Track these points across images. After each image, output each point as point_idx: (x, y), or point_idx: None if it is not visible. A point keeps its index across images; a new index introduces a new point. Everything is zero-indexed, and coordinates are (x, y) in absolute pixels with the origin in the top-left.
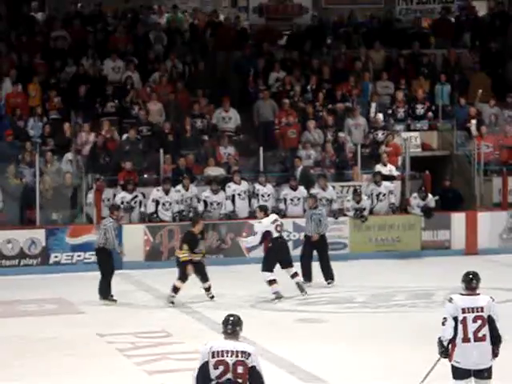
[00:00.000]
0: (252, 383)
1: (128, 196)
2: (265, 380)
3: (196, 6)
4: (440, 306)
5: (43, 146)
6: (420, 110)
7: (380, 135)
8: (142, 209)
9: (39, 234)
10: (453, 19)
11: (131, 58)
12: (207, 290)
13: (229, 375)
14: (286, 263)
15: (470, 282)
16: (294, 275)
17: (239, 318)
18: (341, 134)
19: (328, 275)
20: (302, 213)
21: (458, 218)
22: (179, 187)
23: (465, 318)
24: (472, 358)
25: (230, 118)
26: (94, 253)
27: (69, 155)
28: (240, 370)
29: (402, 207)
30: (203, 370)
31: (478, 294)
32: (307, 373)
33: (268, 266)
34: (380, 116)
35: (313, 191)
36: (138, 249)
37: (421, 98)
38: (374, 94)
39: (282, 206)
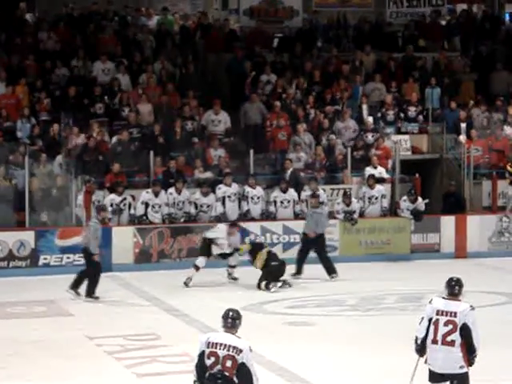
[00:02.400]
0: (239, 378)
1: (117, 198)
2: (255, 378)
3: (186, 8)
4: None
5: (31, 147)
6: (412, 112)
7: (370, 138)
8: (132, 211)
9: (28, 236)
10: (443, 22)
11: (121, 60)
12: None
13: (219, 367)
14: None
15: (453, 288)
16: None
17: (238, 312)
18: (331, 137)
19: (330, 270)
20: (291, 215)
21: (448, 222)
22: (172, 190)
23: (437, 320)
24: (438, 361)
25: (219, 121)
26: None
27: (59, 158)
28: (228, 363)
29: (392, 210)
30: (201, 359)
31: (459, 300)
32: (296, 375)
33: None
34: (370, 119)
35: (303, 194)
36: (127, 251)
37: (414, 100)
38: (364, 97)
39: (271, 208)
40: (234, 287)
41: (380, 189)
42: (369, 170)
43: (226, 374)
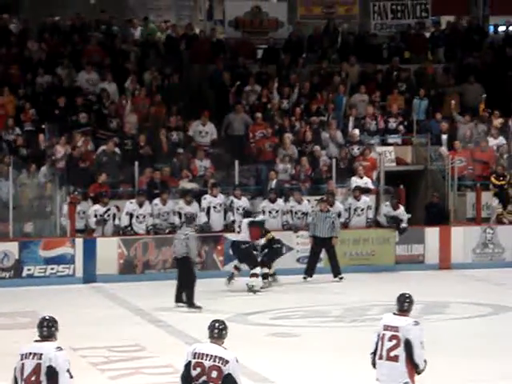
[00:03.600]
0: None
1: (101, 209)
2: None
3: (172, 18)
4: None
5: (15, 157)
6: (392, 123)
7: (356, 150)
8: (117, 222)
9: (12, 247)
10: (427, 34)
11: (106, 70)
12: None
13: (204, 377)
14: None
15: (402, 304)
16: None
17: (224, 323)
18: (315, 148)
19: (337, 272)
20: (279, 225)
21: (432, 233)
22: (157, 201)
23: (383, 335)
24: (383, 376)
25: (206, 132)
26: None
27: (44, 168)
28: (214, 374)
29: (376, 220)
30: (186, 369)
31: (407, 316)
32: None
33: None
34: (356, 131)
35: (288, 205)
36: (111, 262)
37: (395, 112)
38: (351, 108)
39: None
40: (217, 298)
41: (366, 200)
42: (354, 180)
43: None
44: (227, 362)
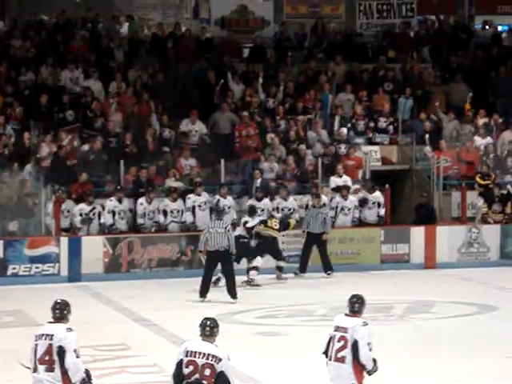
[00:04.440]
0: None
1: (86, 208)
2: None
3: (158, 17)
4: (399, 319)
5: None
6: (382, 123)
7: (343, 149)
8: (102, 220)
9: None
10: (412, 34)
11: (91, 68)
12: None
13: (197, 375)
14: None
15: (353, 305)
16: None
17: (216, 321)
18: (301, 147)
19: (328, 267)
20: None
21: (417, 232)
22: (142, 200)
23: (333, 336)
24: (333, 378)
25: (196, 131)
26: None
27: (29, 166)
28: (207, 372)
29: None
30: (178, 368)
31: (357, 317)
32: None
33: None
34: (344, 130)
35: (275, 202)
36: (97, 261)
37: (386, 112)
38: (337, 107)
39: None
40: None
41: (353, 200)
42: (334, 180)
43: (204, 382)
44: (220, 359)
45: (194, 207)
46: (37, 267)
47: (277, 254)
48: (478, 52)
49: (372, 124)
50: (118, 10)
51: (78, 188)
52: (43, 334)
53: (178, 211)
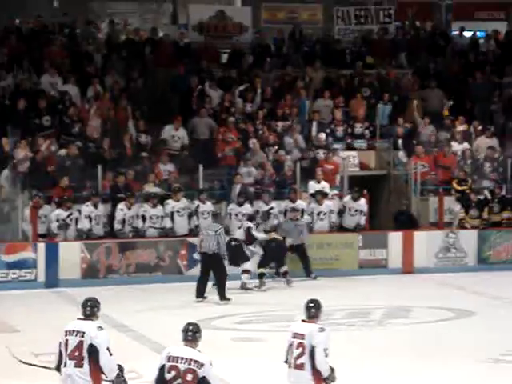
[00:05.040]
0: None
1: (63, 213)
2: None
3: (136, 22)
4: (377, 324)
5: None
6: (358, 129)
7: (321, 154)
8: (79, 226)
9: None
10: (390, 39)
11: (69, 73)
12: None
13: (179, 381)
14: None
15: (309, 311)
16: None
17: (198, 326)
18: (280, 153)
19: (309, 272)
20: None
21: (395, 237)
22: (122, 206)
23: (292, 343)
24: None
25: (179, 137)
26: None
27: (6, 171)
28: (189, 377)
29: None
30: (160, 373)
31: (314, 322)
32: None
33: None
34: (323, 135)
35: (255, 206)
36: (74, 266)
37: (361, 117)
38: (314, 113)
39: (226, 221)
40: (179, 304)
41: (328, 204)
42: (312, 185)
43: None
44: (202, 364)
45: (172, 213)
46: (14, 273)
47: (283, 260)
48: (455, 58)
49: (349, 130)
50: (96, 15)
51: (60, 192)
52: (74, 331)
53: (158, 217)
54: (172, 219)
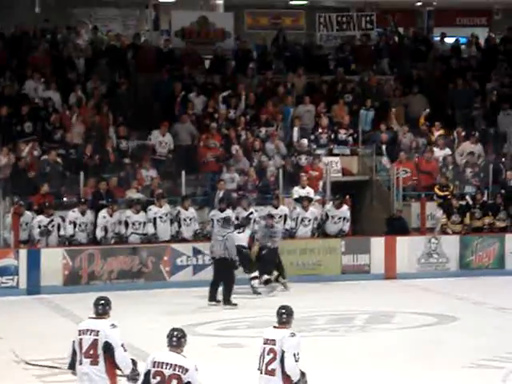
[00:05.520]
0: None
1: (45, 220)
2: None
3: (118, 28)
4: (360, 330)
5: None
6: (342, 135)
7: (303, 160)
8: (62, 232)
9: None
10: (372, 46)
11: (52, 79)
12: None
13: None
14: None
15: (281, 317)
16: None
17: (183, 331)
18: (263, 158)
19: (284, 275)
20: None
21: (377, 243)
22: (104, 213)
23: (264, 349)
24: None
25: (166, 143)
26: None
27: None
28: (174, 383)
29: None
30: (146, 378)
31: (285, 328)
32: None
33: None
34: (305, 141)
35: (236, 211)
36: (56, 273)
37: (346, 124)
38: (296, 119)
39: (209, 227)
40: (162, 310)
41: (313, 211)
42: (297, 190)
43: None
44: (187, 370)
45: (155, 219)
46: None
47: (279, 265)
48: (436, 64)
49: (332, 136)
50: (78, 21)
51: (40, 199)
52: (88, 330)
53: (140, 223)
54: (155, 225)
